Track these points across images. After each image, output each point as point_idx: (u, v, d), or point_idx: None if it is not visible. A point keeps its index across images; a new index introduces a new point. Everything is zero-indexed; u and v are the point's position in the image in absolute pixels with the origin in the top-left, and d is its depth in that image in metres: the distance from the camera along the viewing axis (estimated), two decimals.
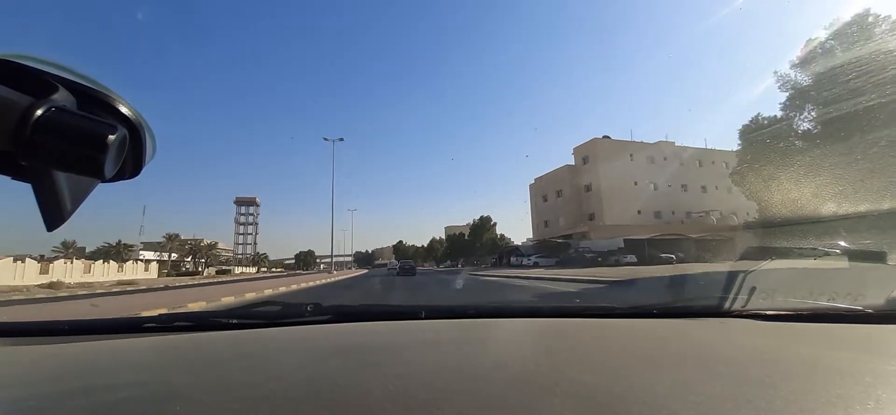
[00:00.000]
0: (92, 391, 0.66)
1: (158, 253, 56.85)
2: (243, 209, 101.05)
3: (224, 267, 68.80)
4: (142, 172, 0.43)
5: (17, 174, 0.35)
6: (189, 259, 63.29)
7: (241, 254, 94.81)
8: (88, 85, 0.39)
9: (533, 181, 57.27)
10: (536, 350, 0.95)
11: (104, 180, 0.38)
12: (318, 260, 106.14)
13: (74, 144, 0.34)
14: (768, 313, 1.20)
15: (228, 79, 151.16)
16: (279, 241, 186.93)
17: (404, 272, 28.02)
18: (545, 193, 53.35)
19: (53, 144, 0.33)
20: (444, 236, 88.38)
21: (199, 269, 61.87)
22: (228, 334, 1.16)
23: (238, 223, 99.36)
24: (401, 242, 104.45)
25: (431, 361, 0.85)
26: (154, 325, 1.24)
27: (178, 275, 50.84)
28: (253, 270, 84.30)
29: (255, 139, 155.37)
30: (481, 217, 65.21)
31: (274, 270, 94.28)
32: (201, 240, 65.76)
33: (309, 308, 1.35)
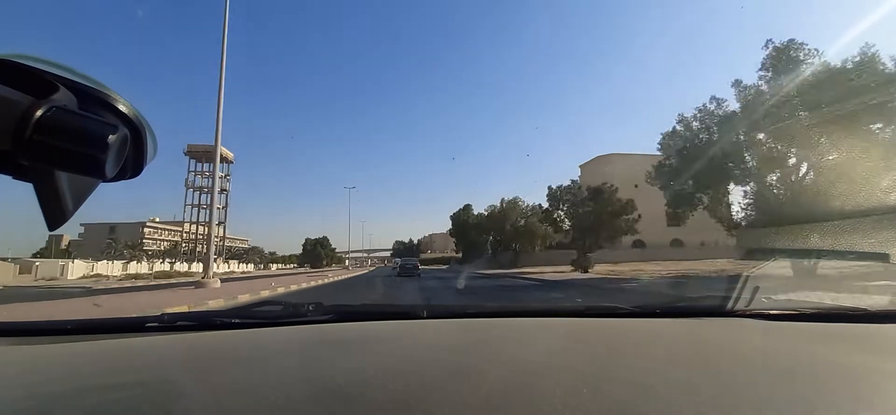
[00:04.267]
0: (93, 391, 0.66)
1: None
2: (202, 167, 56.55)
3: None
4: (143, 171, 0.43)
5: (19, 174, 0.36)
6: None
7: (226, 237, 59.25)
8: (89, 85, 0.39)
9: None
10: (538, 350, 0.95)
11: (105, 180, 0.38)
12: (340, 254, 78.65)
13: (75, 143, 0.34)
14: (772, 312, 1.20)
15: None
16: (307, 233, 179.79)
17: (406, 273, 24.36)
18: None
19: (54, 143, 0.33)
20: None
21: None
22: (230, 334, 1.17)
23: (190, 188, 57.65)
24: (467, 206, 49.56)
25: (433, 360, 0.85)
26: (156, 324, 1.24)
27: None
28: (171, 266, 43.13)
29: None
30: None
31: (278, 267, 76.74)
32: None
33: (310, 308, 1.35)
